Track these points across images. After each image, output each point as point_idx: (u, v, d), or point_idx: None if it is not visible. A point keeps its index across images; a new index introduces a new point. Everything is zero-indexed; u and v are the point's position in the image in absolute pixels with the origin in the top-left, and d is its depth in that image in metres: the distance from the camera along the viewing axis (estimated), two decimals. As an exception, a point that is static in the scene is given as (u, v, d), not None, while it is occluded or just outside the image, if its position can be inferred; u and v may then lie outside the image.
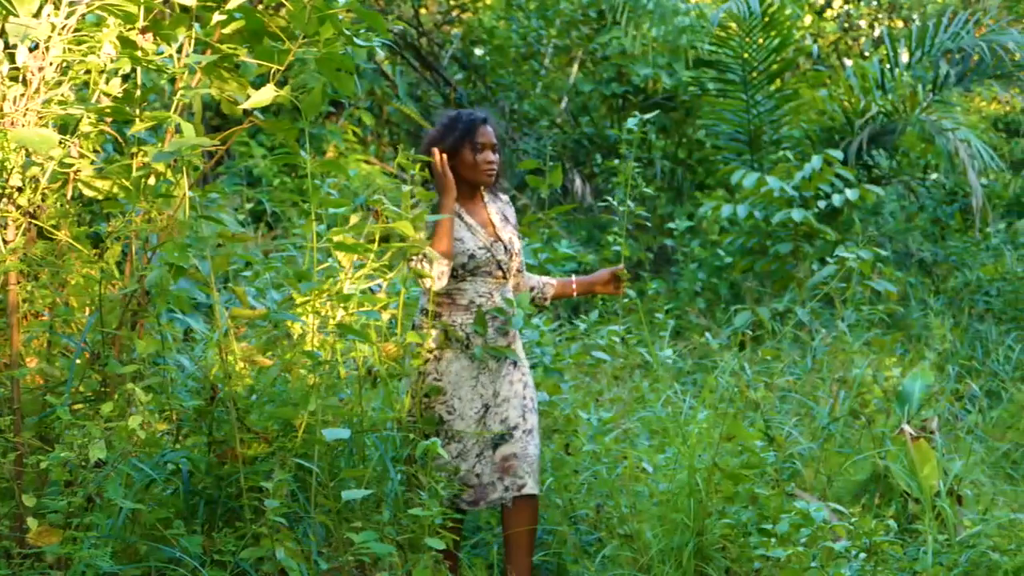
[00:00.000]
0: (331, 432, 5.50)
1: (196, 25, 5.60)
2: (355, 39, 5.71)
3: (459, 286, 6.09)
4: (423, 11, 18.32)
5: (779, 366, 9.45)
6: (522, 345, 6.33)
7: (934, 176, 16.93)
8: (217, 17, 5.52)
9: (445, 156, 6.05)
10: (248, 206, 12.27)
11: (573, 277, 6.62)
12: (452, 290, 6.09)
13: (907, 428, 7.12)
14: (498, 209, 6.29)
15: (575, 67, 18.19)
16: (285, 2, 5.49)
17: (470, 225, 6.13)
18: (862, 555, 6.08)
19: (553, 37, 18.19)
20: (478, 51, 18.78)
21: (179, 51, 5.56)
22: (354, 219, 6.17)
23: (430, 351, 6.07)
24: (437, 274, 5.94)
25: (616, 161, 15.69)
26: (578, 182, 17.02)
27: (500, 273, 6.16)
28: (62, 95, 5.39)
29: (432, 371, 6.09)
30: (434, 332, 6.07)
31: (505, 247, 6.17)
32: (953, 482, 6.97)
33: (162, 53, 5.53)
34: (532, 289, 6.49)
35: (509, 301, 6.11)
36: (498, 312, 6.07)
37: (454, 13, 18.99)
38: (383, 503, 5.86)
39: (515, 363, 6.19)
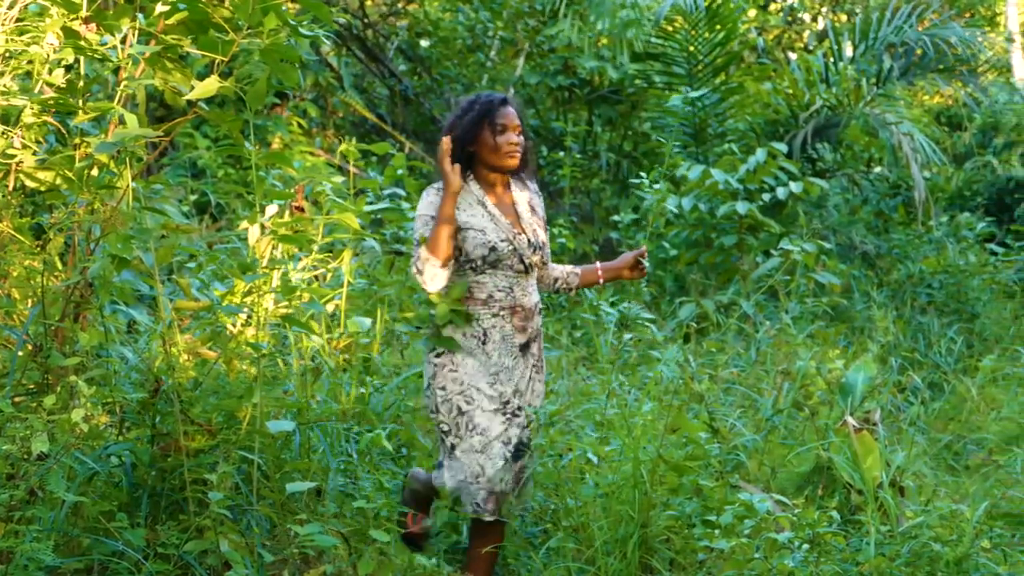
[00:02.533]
0: (275, 424, 5.50)
1: (140, 15, 5.58)
2: (300, 30, 5.70)
3: (478, 279, 5.80)
4: (368, 2, 18.29)
5: (723, 358, 9.48)
6: (542, 346, 6.10)
7: (878, 169, 17.02)
8: (161, 8, 5.49)
9: (450, 144, 5.75)
10: (192, 197, 12.22)
11: (598, 264, 6.32)
12: (471, 283, 5.81)
13: (850, 420, 7.15)
14: (526, 199, 6.01)
15: (521, 59, 18.18)
16: (229, -7, 5.47)
17: (493, 215, 5.82)
18: (805, 546, 6.11)
19: (499, 29, 18.19)
20: (424, 43, 18.76)
21: (123, 41, 5.54)
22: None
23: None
24: (429, 277, 5.67)
25: (561, 153, 15.72)
26: (524, 174, 17.00)
27: (522, 267, 5.86)
28: (4, 85, 5.36)
29: (448, 363, 5.78)
30: (451, 324, 5.79)
31: (529, 240, 5.88)
32: (895, 473, 7.02)
33: (106, 43, 5.50)
34: (556, 280, 6.24)
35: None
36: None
37: (400, 5, 18.96)
38: (326, 495, 5.86)
39: (537, 367, 5.99)
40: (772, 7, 21.92)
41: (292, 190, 6.52)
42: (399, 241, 10.61)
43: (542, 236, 5.96)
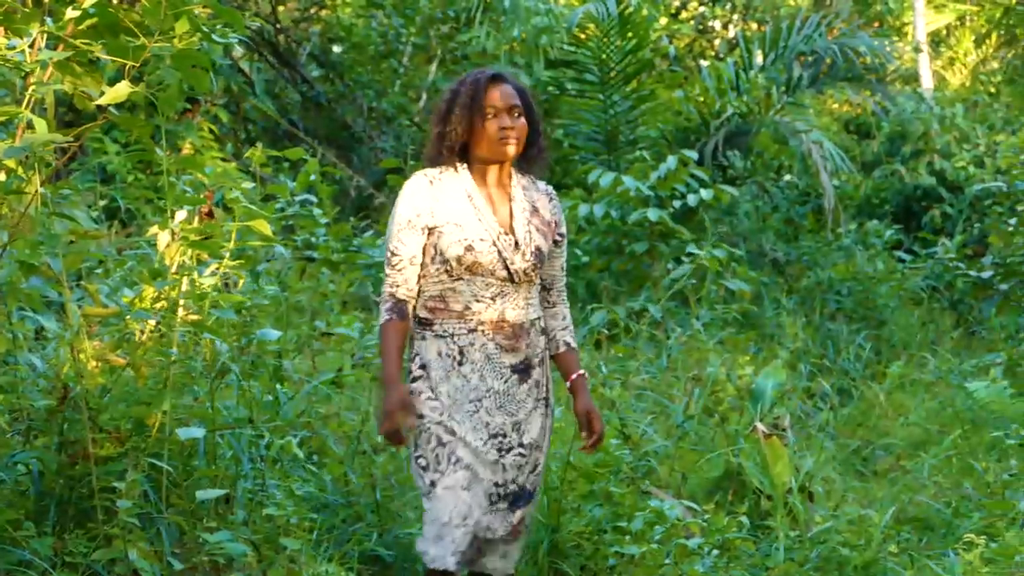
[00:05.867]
0: (185, 431, 5.46)
1: (49, 20, 5.53)
2: (212, 35, 5.66)
3: (453, 286, 4.95)
4: (281, 8, 18.21)
5: (634, 364, 9.52)
6: (549, 374, 5.22)
7: (787, 177, 17.17)
8: (71, 12, 5.44)
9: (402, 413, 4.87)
10: (102, 203, 12.11)
11: (581, 373, 5.25)
12: (445, 291, 4.96)
13: (760, 426, 7.21)
14: (529, 198, 5.14)
15: (434, 65, 18.18)
16: (140, -3, 5.43)
17: (478, 208, 4.97)
18: (715, 551, 6.17)
19: (412, 35, 18.16)
20: (336, 48, 18.70)
21: (31, 46, 5.49)
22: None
23: (421, 367, 4.97)
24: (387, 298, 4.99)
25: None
26: (437, 180, 16.96)
27: (505, 274, 4.95)
28: (-90, 89, 5.30)
29: (424, 388, 4.94)
30: (425, 343, 4.98)
31: (517, 243, 4.97)
32: (804, 479, 7.08)
33: (14, 48, 5.45)
34: (550, 331, 5.24)
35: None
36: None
37: (312, 10, 18.89)
38: (235, 502, 5.83)
39: (544, 400, 5.13)
40: (683, 15, 22.04)
41: (203, 196, 6.48)
42: (310, 247, 10.58)
43: (538, 242, 5.06)
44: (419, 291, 5.01)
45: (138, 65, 5.45)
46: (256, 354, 7.05)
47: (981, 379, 9.72)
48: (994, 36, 25.24)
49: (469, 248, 4.89)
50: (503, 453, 4.95)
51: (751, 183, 16.40)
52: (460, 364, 4.93)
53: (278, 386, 7.00)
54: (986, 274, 12.17)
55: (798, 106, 15.96)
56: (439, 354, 4.95)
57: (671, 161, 12.74)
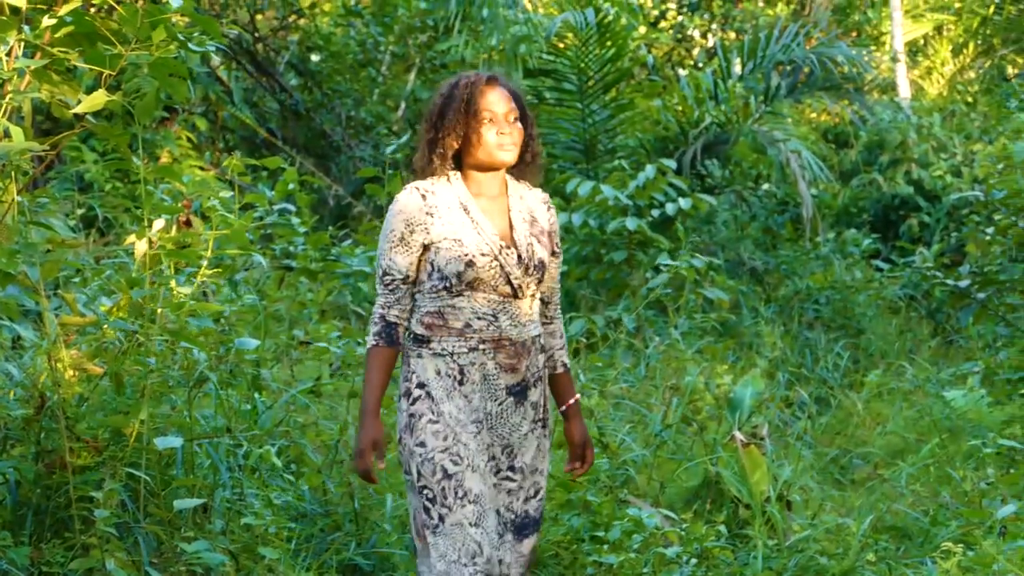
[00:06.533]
0: (162, 440, 5.45)
1: (26, 27, 5.52)
2: (189, 44, 5.65)
3: (453, 303, 4.64)
4: (259, 16, 18.19)
5: (613, 373, 9.51)
6: (547, 394, 4.93)
7: (766, 186, 17.19)
8: (47, 20, 5.43)
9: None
10: (79, 212, 12.08)
11: (577, 398, 5.02)
12: (444, 308, 4.66)
13: (738, 435, 7.22)
14: (526, 206, 4.83)
15: (413, 74, 18.18)
16: (117, 6, 5.41)
17: (476, 222, 4.67)
18: (693, 560, 6.17)
19: (391, 44, 18.17)
20: (315, 57, 18.69)
21: (8, 54, 5.47)
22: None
23: (420, 386, 4.67)
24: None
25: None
26: (415, 190, 16.95)
27: (508, 289, 4.67)
28: None
29: (426, 411, 4.65)
30: (423, 361, 4.69)
31: (520, 256, 4.68)
32: (783, 488, 7.09)
33: (-9, 55, 5.44)
34: (548, 349, 4.96)
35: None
36: None
37: (290, 19, 18.88)
38: (213, 511, 5.82)
39: (541, 421, 4.84)
40: (662, 24, 22.07)
41: (180, 204, 6.47)
42: (288, 256, 10.56)
43: (540, 253, 4.76)
44: (415, 307, 4.73)
45: (115, 73, 5.44)
46: (234, 363, 7.03)
47: (959, 388, 9.75)
48: (971, 46, 25.30)
49: (470, 264, 4.61)
50: (497, 477, 4.71)
51: (729, 192, 16.41)
52: (461, 384, 4.65)
53: (256, 395, 6.98)
54: (963, 283, 12.16)
55: (776, 115, 15.99)
56: (438, 373, 4.66)
57: (649, 170, 12.74)
